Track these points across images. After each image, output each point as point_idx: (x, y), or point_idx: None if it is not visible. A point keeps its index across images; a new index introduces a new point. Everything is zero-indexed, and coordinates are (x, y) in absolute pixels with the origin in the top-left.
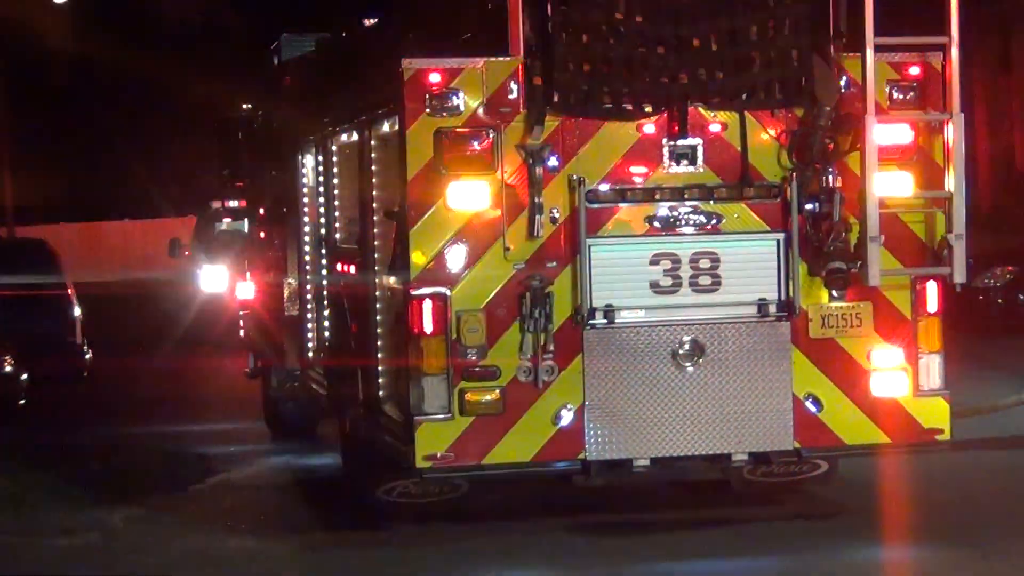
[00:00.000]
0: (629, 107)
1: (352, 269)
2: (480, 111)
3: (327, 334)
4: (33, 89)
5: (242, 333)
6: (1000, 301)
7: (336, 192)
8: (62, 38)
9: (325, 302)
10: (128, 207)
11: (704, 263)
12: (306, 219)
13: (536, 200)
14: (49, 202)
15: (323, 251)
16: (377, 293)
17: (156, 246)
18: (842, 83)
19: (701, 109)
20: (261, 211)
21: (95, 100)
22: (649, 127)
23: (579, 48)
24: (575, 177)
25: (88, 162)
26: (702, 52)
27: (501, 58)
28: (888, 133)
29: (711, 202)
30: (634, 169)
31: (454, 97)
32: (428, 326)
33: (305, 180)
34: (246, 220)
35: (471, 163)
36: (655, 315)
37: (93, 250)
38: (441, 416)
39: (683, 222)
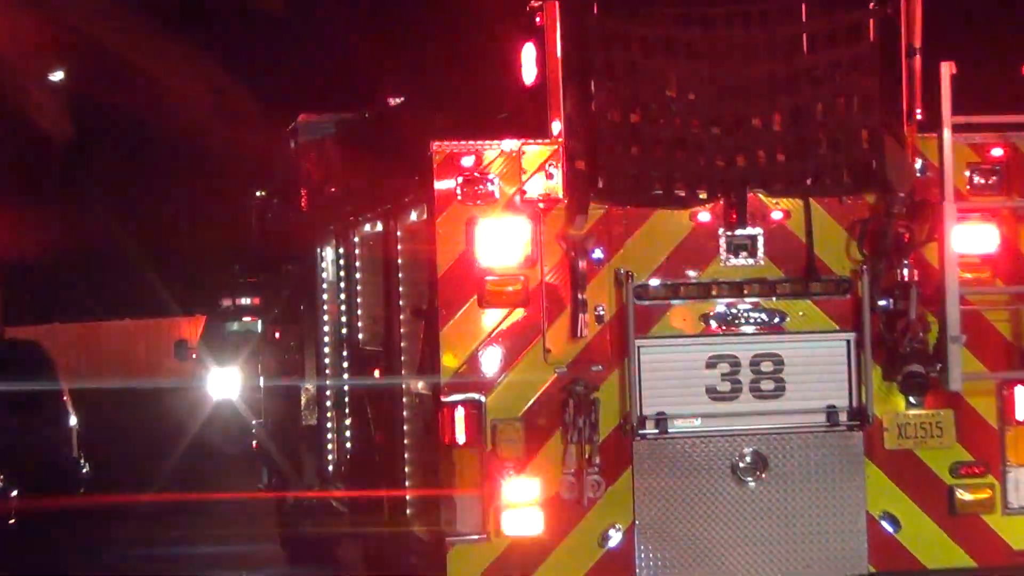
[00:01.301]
0: (682, 193)
1: (376, 373)
2: (517, 198)
3: (348, 445)
4: (26, 173)
5: (255, 444)
6: None
7: (359, 288)
8: (55, 121)
9: (346, 410)
10: (129, 306)
11: (766, 366)
12: (325, 318)
13: (579, 297)
14: (42, 299)
15: (344, 353)
16: (404, 400)
17: (160, 348)
18: (917, 167)
19: (761, 195)
20: (276, 309)
21: (93, 188)
22: (704, 215)
23: (626, 128)
24: (622, 271)
25: (86, 256)
26: (762, 132)
27: (540, 140)
28: (971, 237)
29: (773, 298)
30: (688, 262)
31: (488, 183)
32: (460, 436)
33: (325, 275)
34: (259, 319)
35: (507, 256)
36: (712, 424)
37: (91, 353)
38: (475, 537)
39: (742, 320)
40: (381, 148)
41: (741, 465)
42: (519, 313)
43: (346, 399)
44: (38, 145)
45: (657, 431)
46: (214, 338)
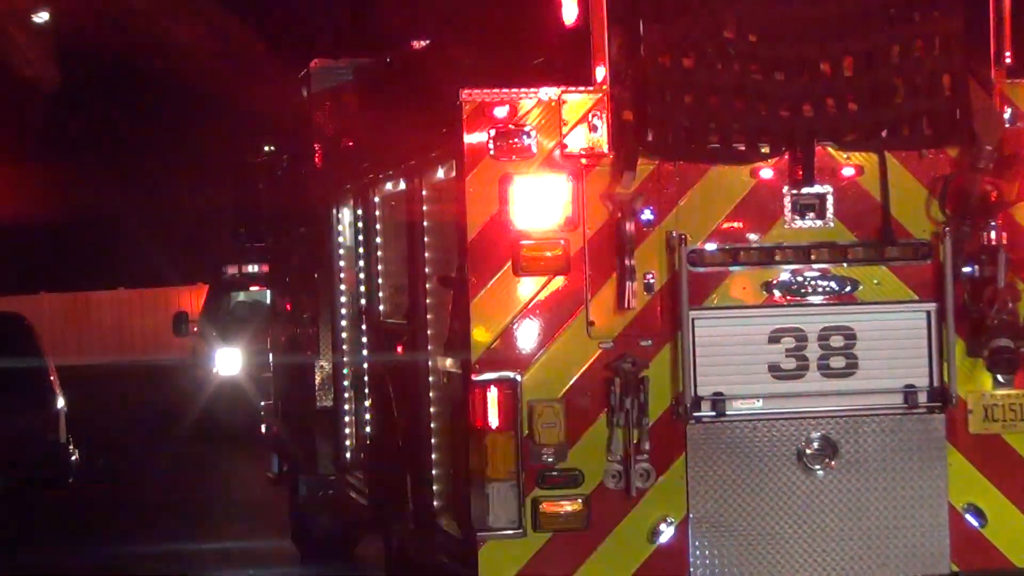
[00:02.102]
0: (741, 147)
1: (399, 349)
2: (556, 153)
3: (369, 430)
4: (6, 126)
5: (264, 429)
6: None
7: (379, 254)
8: (39, 68)
9: (366, 390)
10: (123, 274)
11: (836, 341)
12: (342, 288)
13: (627, 263)
14: (25, 266)
15: (363, 327)
16: (430, 379)
17: (158, 321)
18: (1006, 116)
19: (831, 149)
20: (286, 278)
21: (82, 143)
22: (766, 172)
23: (679, 74)
24: (675, 234)
25: (75, 218)
26: (832, 78)
27: (582, 88)
28: None
29: (844, 265)
30: (748, 224)
31: (524, 136)
32: (494, 420)
33: (341, 239)
34: (268, 289)
35: (546, 217)
36: (775, 406)
37: (81, 326)
38: (510, 532)
39: (809, 290)
40: (404, 97)
41: (808, 452)
42: (559, 281)
43: (365, 378)
44: (20, 95)
45: (714, 413)
46: (217, 310)
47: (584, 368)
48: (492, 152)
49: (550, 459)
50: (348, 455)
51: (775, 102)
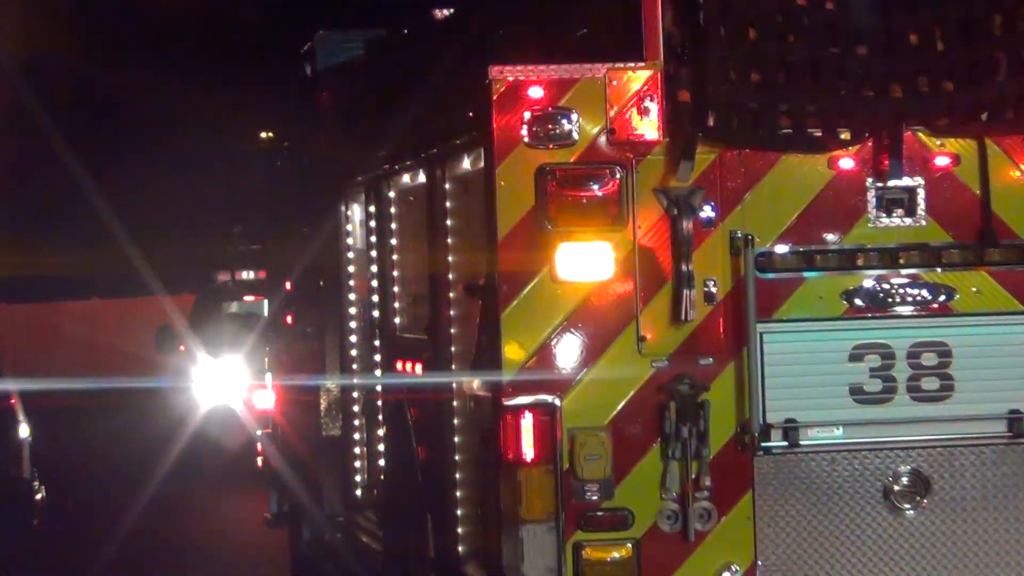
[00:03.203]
0: (818, 133)
1: (418, 369)
2: (602, 141)
3: (383, 463)
4: None
5: (261, 462)
6: None
7: (395, 258)
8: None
9: (380, 417)
10: (97, 282)
11: (929, 359)
12: (352, 297)
13: (684, 268)
14: None
15: (377, 343)
16: (454, 403)
17: (137, 337)
18: None
19: (922, 135)
20: (287, 285)
21: (47, 124)
22: (847, 162)
23: (745, 48)
24: (740, 235)
25: (39, 216)
26: (923, 53)
27: (632, 64)
28: None
29: (938, 270)
30: (826, 222)
31: (564, 120)
32: (528, 451)
33: (351, 241)
34: (265, 299)
35: (590, 215)
36: (858, 434)
37: (48, 342)
38: None
39: (897, 299)
40: (424, 75)
41: (896, 488)
42: (604, 289)
43: (379, 403)
44: None
45: (786, 443)
46: (207, 324)
47: (634, 391)
48: (526, 139)
49: (594, 497)
50: (359, 492)
51: (857, 80)
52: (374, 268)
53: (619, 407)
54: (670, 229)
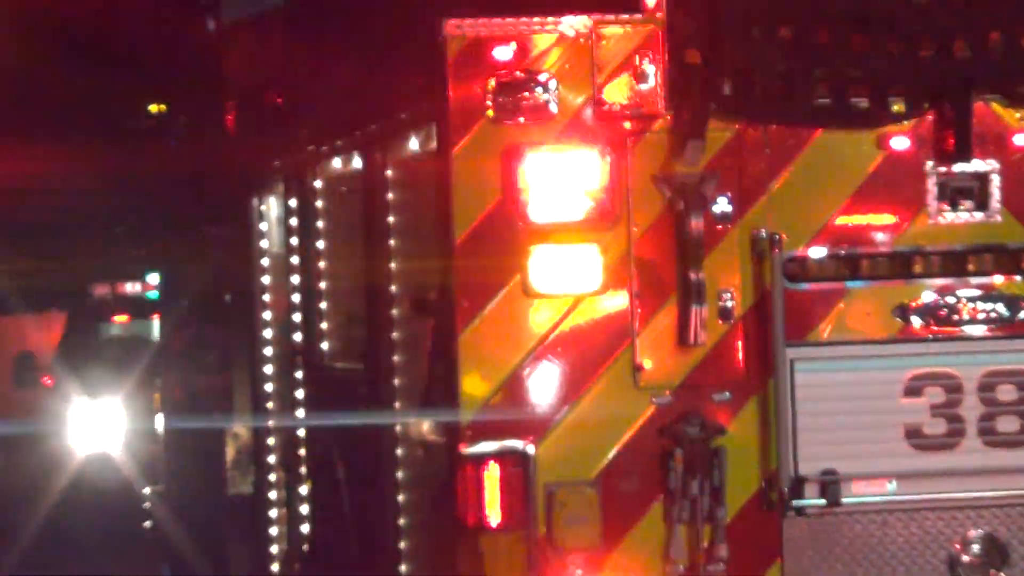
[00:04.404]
0: (864, 104)
1: (351, 406)
2: (587, 114)
3: (306, 528)
4: None
5: (149, 526)
6: None
7: (323, 266)
8: None
9: (303, 470)
10: None
11: (1006, 392)
12: (267, 315)
13: (693, 277)
14: None
15: (299, 375)
16: (399, 452)
17: None
18: None
19: (997, 106)
20: (184, 301)
21: None
22: (900, 141)
23: (770, 1)
24: (764, 234)
25: None
26: (996, 4)
27: (625, 16)
28: None
29: (1018, 278)
30: (873, 218)
31: (539, 88)
32: (494, 513)
33: (266, 243)
34: (156, 318)
35: (572, 210)
36: (915, 489)
37: None
38: None
39: (966, 315)
40: (360, 31)
41: (965, 558)
42: (591, 305)
43: (302, 451)
44: None
45: (823, 501)
46: (80, 350)
47: (629, 434)
48: (492, 113)
49: (579, 571)
50: (275, 567)
51: (913, 37)
52: (295, 279)
53: (610, 456)
54: (675, 227)
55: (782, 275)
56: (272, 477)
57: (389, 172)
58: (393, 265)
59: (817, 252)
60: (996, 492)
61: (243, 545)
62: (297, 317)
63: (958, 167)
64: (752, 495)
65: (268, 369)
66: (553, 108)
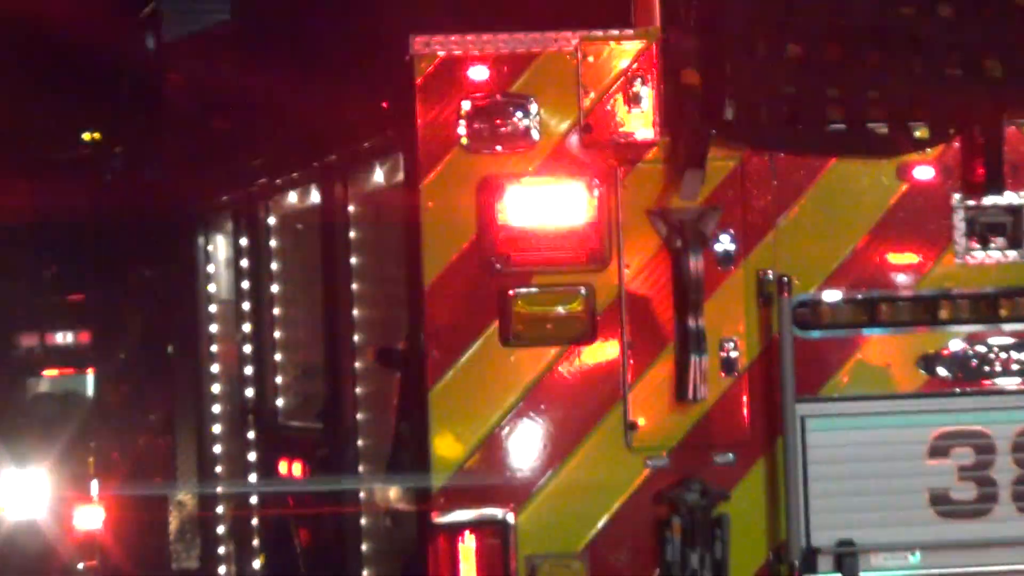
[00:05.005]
0: (883, 130)
1: (309, 471)
2: (573, 142)
3: None
4: None
5: None
6: None
7: (277, 313)
8: None
9: (256, 542)
10: None
11: None
12: (215, 368)
13: (692, 325)
14: None
15: (251, 435)
16: (363, 522)
17: None
18: None
19: None
20: (121, 354)
21: None
22: (924, 171)
23: (778, 8)
24: (771, 276)
25: None
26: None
27: (615, 32)
28: None
29: None
30: (894, 258)
31: (519, 113)
32: None
33: (213, 288)
34: (90, 372)
35: (557, 249)
36: (943, 561)
37: None
38: None
39: (998, 367)
40: (319, 49)
41: None
42: (578, 355)
43: (254, 521)
44: None
45: (839, 575)
46: (5, 408)
47: (621, 502)
48: (466, 141)
49: None
50: None
51: (938, 54)
52: (247, 327)
53: (599, 525)
54: (671, 268)
55: (792, 322)
56: (221, 550)
57: (351, 207)
58: (356, 312)
59: (831, 296)
60: None
61: None
62: (249, 370)
63: (989, 200)
64: (759, 569)
65: (216, 429)
66: (534, 135)
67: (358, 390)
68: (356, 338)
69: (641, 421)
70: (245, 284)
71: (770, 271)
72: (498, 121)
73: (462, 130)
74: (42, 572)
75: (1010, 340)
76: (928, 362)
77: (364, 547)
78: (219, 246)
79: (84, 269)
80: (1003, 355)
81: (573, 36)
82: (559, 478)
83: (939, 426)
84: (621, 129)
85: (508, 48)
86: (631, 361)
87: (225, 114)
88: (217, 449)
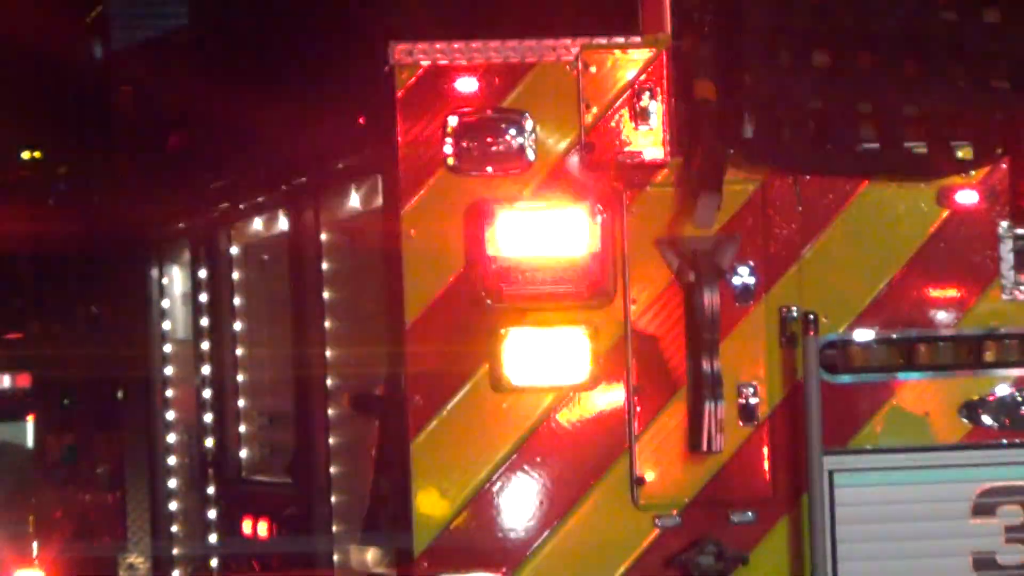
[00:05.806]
0: (921, 150)
1: (276, 531)
2: (573, 162)
3: None
4: None
5: None
6: None
7: (241, 353)
8: None
9: None
10: None
11: None
12: (171, 416)
13: (706, 368)
14: None
15: (211, 491)
16: None
17: None
18: None
19: None
20: (65, 400)
21: None
22: (967, 195)
23: (804, 16)
24: (796, 313)
25: None
26: None
27: (621, 40)
28: None
29: None
30: (933, 293)
31: (511, 130)
32: None
33: (168, 325)
34: (30, 420)
35: (555, 283)
36: None
37: None
38: None
39: None
40: (287, 59)
41: None
42: (579, 401)
43: None
44: None
45: None
46: None
47: (627, 565)
48: (453, 161)
49: None
50: None
51: (983, 64)
52: (206, 370)
53: None
54: (684, 304)
55: (818, 365)
56: None
57: (323, 235)
58: (329, 352)
59: (862, 336)
60: None
61: None
62: (208, 418)
63: None
64: None
65: (172, 483)
66: (529, 155)
67: (331, 440)
68: (329, 382)
69: (649, 475)
70: (204, 321)
71: (794, 308)
72: (489, 139)
73: (448, 149)
74: None
75: None
76: (971, 410)
77: None
78: (175, 279)
79: (23, 304)
80: None
81: (573, 44)
82: (557, 539)
83: (984, 481)
84: (627, 148)
85: (500, 57)
86: (638, 408)
87: (182, 131)
88: (173, 506)
